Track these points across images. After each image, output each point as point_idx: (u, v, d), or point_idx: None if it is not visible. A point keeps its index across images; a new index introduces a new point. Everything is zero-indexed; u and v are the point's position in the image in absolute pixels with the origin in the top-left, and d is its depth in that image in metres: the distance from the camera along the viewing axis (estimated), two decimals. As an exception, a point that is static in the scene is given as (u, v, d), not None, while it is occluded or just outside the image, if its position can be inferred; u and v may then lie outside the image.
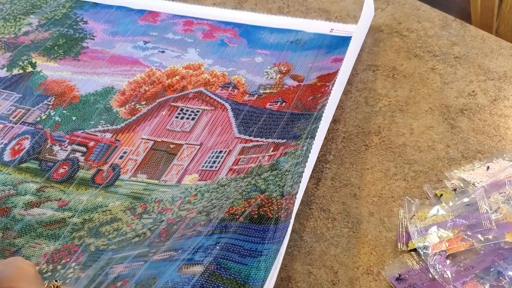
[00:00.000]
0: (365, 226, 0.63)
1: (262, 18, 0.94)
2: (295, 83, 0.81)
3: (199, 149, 0.72)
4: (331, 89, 0.73)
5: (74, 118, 0.78)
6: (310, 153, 0.62)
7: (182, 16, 0.97)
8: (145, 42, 0.91)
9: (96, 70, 0.86)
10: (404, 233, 0.61)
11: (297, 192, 0.59)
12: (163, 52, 0.89)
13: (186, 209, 0.64)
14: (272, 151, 0.69)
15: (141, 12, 0.98)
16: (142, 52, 0.89)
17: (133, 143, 0.74)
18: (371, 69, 0.83)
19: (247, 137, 0.72)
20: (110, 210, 0.65)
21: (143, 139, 0.74)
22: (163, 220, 0.63)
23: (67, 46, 0.91)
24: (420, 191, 0.65)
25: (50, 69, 0.87)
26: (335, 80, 0.72)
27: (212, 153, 0.71)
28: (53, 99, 0.81)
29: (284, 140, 0.70)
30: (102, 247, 0.61)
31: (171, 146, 0.73)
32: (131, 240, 0.61)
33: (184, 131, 0.75)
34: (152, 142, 0.74)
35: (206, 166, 0.70)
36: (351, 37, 0.87)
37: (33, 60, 0.89)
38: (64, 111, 0.79)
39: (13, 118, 0.79)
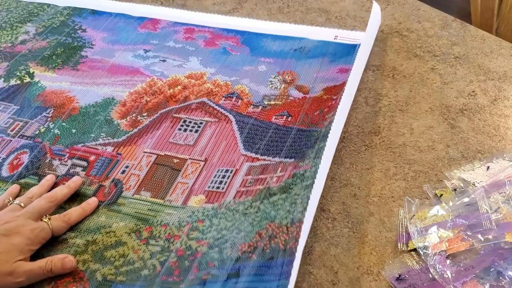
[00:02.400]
0: (365, 226, 0.62)
1: (265, 25, 0.92)
2: (300, 95, 0.79)
3: (204, 165, 0.70)
4: (338, 104, 0.71)
5: (74, 130, 0.76)
6: (317, 173, 0.60)
7: (183, 24, 0.95)
8: (146, 51, 0.89)
9: (96, 80, 0.84)
10: (404, 233, 0.60)
11: (303, 219, 0.57)
12: (164, 61, 0.87)
13: (196, 238, 0.61)
14: (280, 172, 0.67)
15: (141, 19, 0.96)
16: (142, 61, 0.87)
17: (135, 156, 0.72)
18: (371, 69, 0.82)
19: (253, 155, 0.70)
20: (114, 232, 0.62)
21: (146, 152, 0.72)
22: (172, 250, 0.60)
23: (65, 55, 0.89)
24: (420, 191, 0.65)
25: (49, 80, 0.85)
26: (341, 95, 0.70)
27: (217, 171, 0.69)
28: (52, 111, 0.79)
29: (292, 160, 0.68)
30: (109, 276, 0.58)
31: (175, 161, 0.71)
32: (140, 273, 0.58)
33: (188, 145, 0.73)
34: (155, 156, 0.72)
35: (213, 187, 0.67)
36: (355, 45, 0.85)
37: (31, 70, 0.87)
38: (64, 124, 0.77)
39: (11, 131, 0.77)
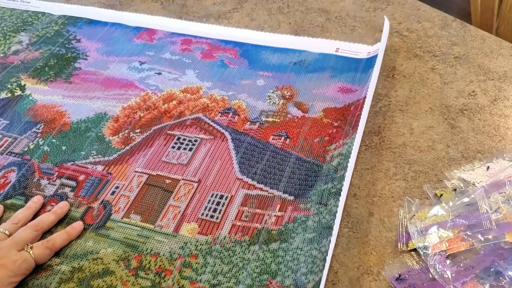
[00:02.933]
0: (365, 226, 0.62)
1: (264, 37, 0.90)
2: (299, 114, 0.75)
3: (197, 187, 0.67)
4: (342, 142, 0.68)
5: (64, 148, 0.73)
6: (328, 244, 0.57)
7: (180, 34, 0.92)
8: (141, 63, 0.87)
9: (89, 94, 0.81)
10: (404, 233, 0.60)
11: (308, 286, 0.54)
12: (159, 74, 0.84)
13: (189, 278, 0.57)
14: (279, 211, 0.64)
15: (137, 29, 0.93)
16: (137, 74, 0.84)
17: (125, 176, 0.69)
18: (371, 69, 0.82)
19: (249, 181, 0.67)
20: (102, 259, 0.59)
21: (137, 172, 0.69)
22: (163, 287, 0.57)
23: (58, 67, 0.87)
24: (420, 191, 0.65)
25: (40, 93, 0.82)
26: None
27: (211, 196, 0.66)
28: (42, 126, 0.76)
29: (292, 197, 0.65)
30: None
31: (167, 181, 0.68)
32: None
33: (181, 164, 0.70)
34: (147, 176, 0.69)
35: (207, 215, 0.64)
36: (357, 59, 0.83)
37: (22, 83, 0.84)
38: (54, 140, 0.74)
39: (-1, 147, 0.74)
